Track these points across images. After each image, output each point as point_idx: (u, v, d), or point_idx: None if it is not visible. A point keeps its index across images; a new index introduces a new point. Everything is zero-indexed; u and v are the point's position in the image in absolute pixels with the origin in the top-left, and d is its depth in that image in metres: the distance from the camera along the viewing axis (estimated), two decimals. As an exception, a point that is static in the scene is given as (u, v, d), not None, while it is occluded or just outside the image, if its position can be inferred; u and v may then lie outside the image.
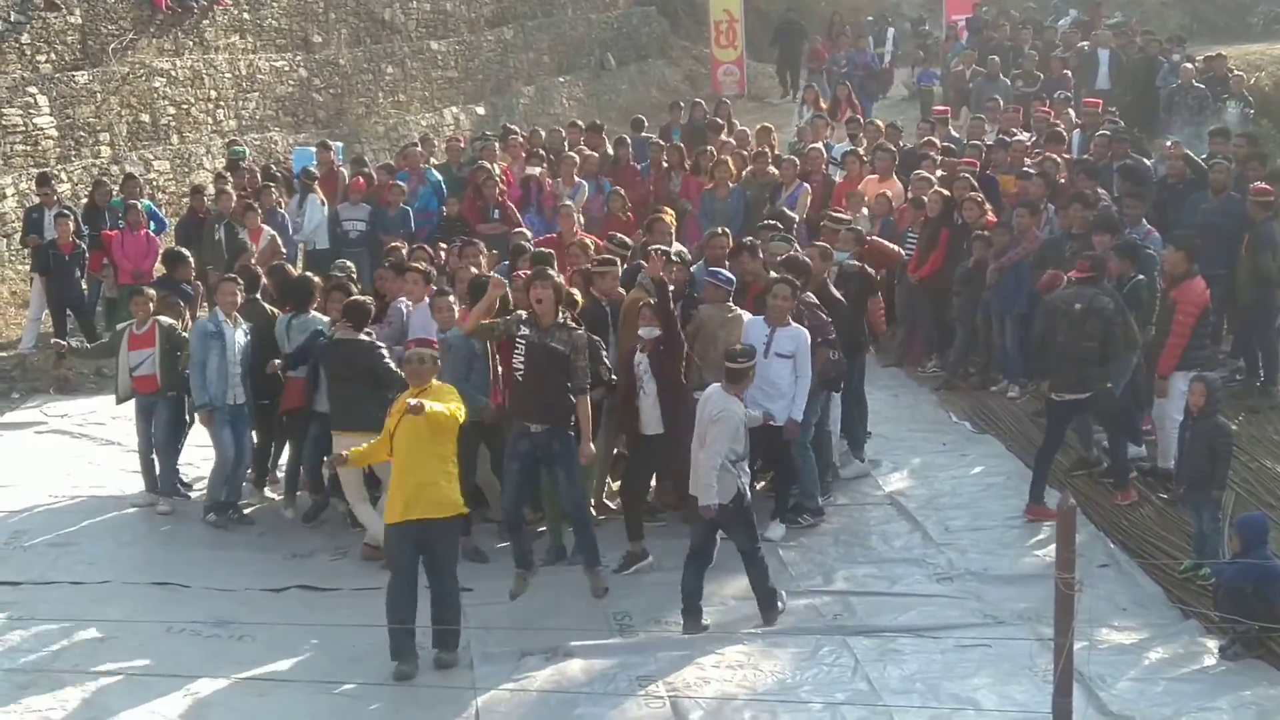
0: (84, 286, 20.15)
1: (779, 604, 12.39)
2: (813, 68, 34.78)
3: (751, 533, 12.27)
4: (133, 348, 14.77)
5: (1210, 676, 11.32)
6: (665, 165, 22.22)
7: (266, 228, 19.65)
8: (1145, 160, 20.33)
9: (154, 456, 14.97)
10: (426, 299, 14.33)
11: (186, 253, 17.16)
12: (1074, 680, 9.13)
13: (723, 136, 23.84)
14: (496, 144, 23.61)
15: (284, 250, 18.73)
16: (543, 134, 24.71)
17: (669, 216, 16.94)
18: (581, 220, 18.70)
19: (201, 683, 11.15)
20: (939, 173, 19.98)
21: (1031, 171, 19.33)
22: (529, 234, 17.61)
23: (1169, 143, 21.76)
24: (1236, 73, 27.25)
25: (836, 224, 16.75)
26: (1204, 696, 11.00)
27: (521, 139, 23.91)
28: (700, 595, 12.23)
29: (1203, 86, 26.16)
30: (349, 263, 16.93)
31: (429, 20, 33.48)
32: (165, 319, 14.86)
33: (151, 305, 14.92)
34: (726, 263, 14.76)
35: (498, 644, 11.78)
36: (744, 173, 21.18)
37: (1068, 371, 14.28)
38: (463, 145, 24.06)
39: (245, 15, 28.34)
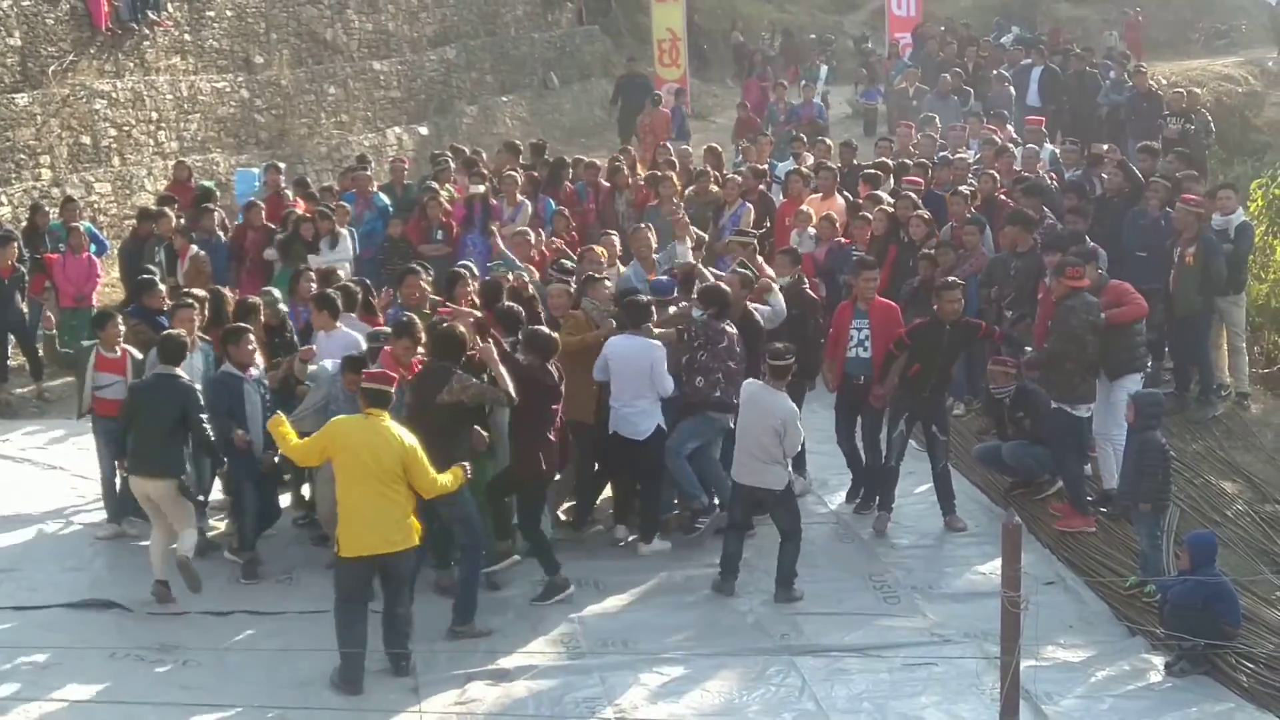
0: (24, 310, 19.93)
1: (795, 590, 13.01)
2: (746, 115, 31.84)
3: (795, 517, 13.22)
4: (100, 368, 14.40)
5: (1156, 693, 11.41)
6: (608, 186, 22.16)
7: (194, 246, 19.31)
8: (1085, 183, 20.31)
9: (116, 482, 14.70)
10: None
11: (155, 279, 16.76)
12: (1020, 698, 9.20)
13: (670, 157, 23.80)
14: (450, 161, 23.47)
15: (208, 270, 18.38)
16: (484, 155, 24.58)
17: (600, 250, 16.92)
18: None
19: (146, 710, 11.03)
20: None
21: (963, 190, 19.20)
22: (471, 261, 17.48)
23: (1105, 147, 21.86)
24: (1178, 89, 27.43)
25: (742, 239, 16.62)
26: (1150, 713, 11.11)
27: (471, 155, 23.87)
28: (740, 557, 13.24)
29: (1149, 104, 26.34)
30: (275, 290, 16.51)
31: (371, 40, 33.34)
32: (136, 353, 14.50)
33: (122, 332, 14.59)
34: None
35: (443, 667, 11.77)
36: (687, 191, 21.16)
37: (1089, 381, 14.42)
38: (407, 166, 23.90)
39: (186, 36, 28.14)
